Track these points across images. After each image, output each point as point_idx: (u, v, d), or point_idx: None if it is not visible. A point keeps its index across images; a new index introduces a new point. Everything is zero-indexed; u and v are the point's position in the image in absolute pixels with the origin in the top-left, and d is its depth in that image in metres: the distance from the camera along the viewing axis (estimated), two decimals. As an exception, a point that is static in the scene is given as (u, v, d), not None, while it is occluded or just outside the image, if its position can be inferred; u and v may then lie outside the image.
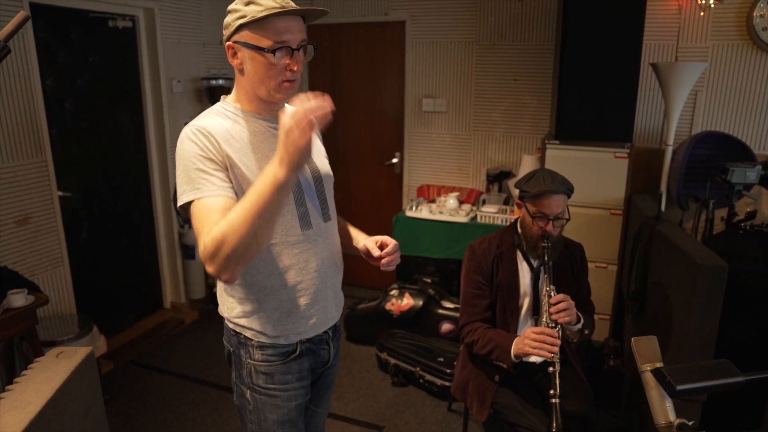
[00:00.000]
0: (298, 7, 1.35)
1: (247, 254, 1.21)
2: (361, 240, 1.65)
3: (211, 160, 1.31)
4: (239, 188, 1.36)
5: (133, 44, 3.77)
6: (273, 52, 1.32)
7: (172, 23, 3.90)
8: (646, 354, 1.19)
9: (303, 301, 1.50)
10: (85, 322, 3.12)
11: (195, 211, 1.28)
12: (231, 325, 1.55)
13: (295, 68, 1.36)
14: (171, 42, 3.90)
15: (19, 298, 2.47)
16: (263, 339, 1.51)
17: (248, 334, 1.52)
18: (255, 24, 1.32)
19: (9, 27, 1.15)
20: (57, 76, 3.28)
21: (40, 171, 3.10)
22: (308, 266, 1.49)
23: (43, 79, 3.12)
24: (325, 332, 1.59)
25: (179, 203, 1.31)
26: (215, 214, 1.25)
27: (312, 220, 1.50)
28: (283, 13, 1.32)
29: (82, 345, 2.96)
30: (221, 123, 1.39)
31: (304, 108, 1.15)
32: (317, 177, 1.54)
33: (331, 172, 1.61)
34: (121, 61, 3.72)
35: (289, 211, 1.45)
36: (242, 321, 1.52)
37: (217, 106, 1.46)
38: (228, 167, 1.34)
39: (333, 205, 1.61)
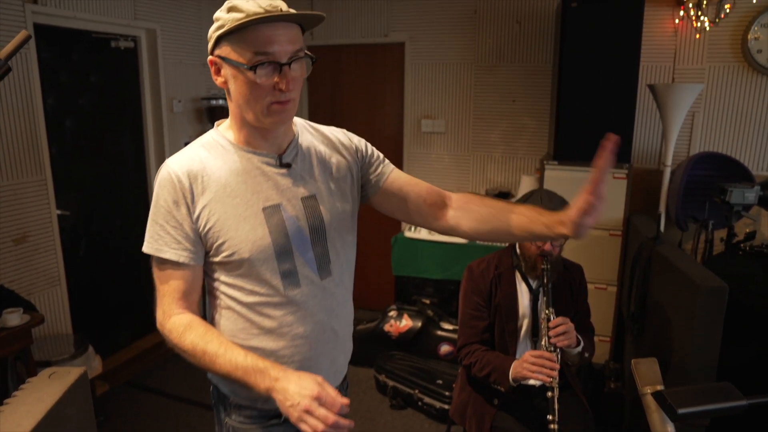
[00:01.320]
0: (289, 11, 1.12)
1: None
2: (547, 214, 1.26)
3: (171, 215, 1.19)
4: (209, 237, 1.20)
5: (134, 64, 3.80)
6: (254, 68, 1.11)
7: (174, 44, 3.94)
8: (647, 376, 1.18)
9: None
10: (80, 342, 3.09)
11: (154, 269, 1.24)
12: (209, 375, 1.35)
13: (283, 87, 1.13)
14: (172, 62, 3.94)
15: (14, 318, 2.45)
16: (240, 400, 1.32)
17: (225, 390, 1.34)
18: (235, 35, 1.11)
19: (10, 46, 1.16)
20: (58, 95, 3.30)
21: (39, 189, 3.10)
22: (293, 331, 1.25)
23: (45, 98, 3.14)
24: None
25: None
26: (169, 294, 1.21)
27: (301, 279, 1.25)
28: (267, 20, 1.09)
29: (78, 365, 2.91)
30: (202, 159, 1.21)
31: (317, 416, 1.01)
32: (318, 225, 1.27)
33: (346, 215, 1.34)
34: (122, 80, 3.75)
35: (269, 268, 1.22)
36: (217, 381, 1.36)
37: (208, 134, 1.29)
38: (194, 217, 1.19)
39: (342, 255, 1.33)
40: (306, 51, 1.18)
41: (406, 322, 3.62)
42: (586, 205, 1.15)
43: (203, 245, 1.22)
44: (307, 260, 1.26)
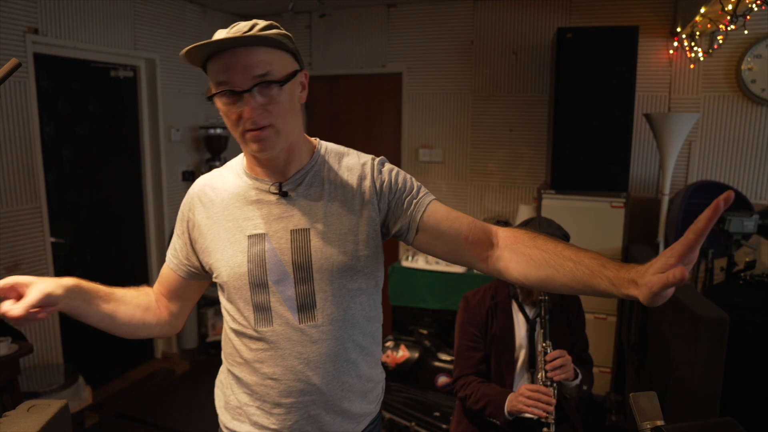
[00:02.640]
0: (242, 35, 1.04)
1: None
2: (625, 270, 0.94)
3: (179, 225, 1.30)
4: (202, 256, 1.25)
5: (133, 93, 3.83)
6: (212, 98, 1.12)
7: (173, 73, 3.98)
8: (646, 411, 1.13)
9: (255, 404, 1.22)
10: (70, 373, 3.03)
11: None
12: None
13: (244, 115, 1.07)
14: (171, 92, 3.97)
15: (1, 347, 2.41)
16: (222, 427, 1.31)
17: (218, 408, 1.33)
18: (208, 65, 1.10)
19: (-1, 73, 1.15)
20: (56, 123, 3.31)
21: (33, 217, 3.08)
22: (263, 369, 1.19)
23: (43, 127, 3.15)
24: None
25: None
26: (157, 281, 1.36)
27: (274, 316, 1.18)
28: (220, 46, 1.04)
29: (66, 396, 2.86)
30: (220, 180, 1.26)
31: None
32: (303, 263, 1.17)
33: (350, 257, 1.19)
34: (120, 109, 3.77)
35: (242, 298, 1.19)
36: (217, 391, 1.35)
37: (238, 157, 1.30)
38: (191, 234, 1.26)
39: (336, 303, 1.19)
40: (273, 77, 1.07)
41: (403, 353, 3.55)
42: (673, 271, 0.83)
43: (194, 260, 1.27)
44: (285, 298, 1.17)
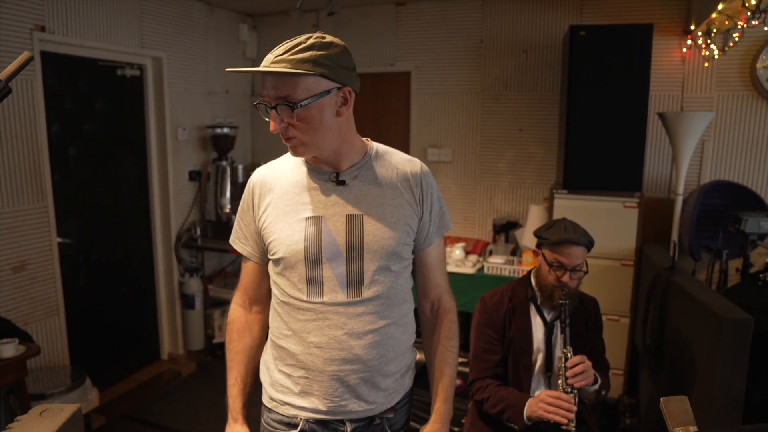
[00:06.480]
0: (269, 63, 1.21)
1: None
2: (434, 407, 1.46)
3: (244, 214, 1.40)
4: (265, 234, 1.36)
5: (140, 92, 3.79)
6: (256, 106, 1.27)
7: (180, 72, 3.94)
8: (678, 416, 1.10)
9: (299, 373, 1.34)
10: (77, 374, 3.00)
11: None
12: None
13: (271, 127, 1.24)
14: (178, 91, 3.93)
15: (8, 349, 2.37)
16: (267, 400, 1.42)
17: (264, 383, 1.43)
18: None
19: (11, 67, 1.11)
20: (63, 122, 3.28)
21: (40, 217, 3.05)
22: (309, 338, 1.31)
23: (49, 125, 3.12)
24: (341, 422, 1.36)
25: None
26: (239, 285, 1.48)
27: (325, 290, 1.30)
28: (252, 71, 1.27)
29: (73, 398, 2.83)
30: (281, 169, 1.39)
31: None
32: (356, 244, 1.30)
33: (395, 242, 1.33)
34: (127, 108, 3.73)
35: (297, 272, 1.31)
36: (262, 367, 1.46)
37: None
38: (257, 218, 1.37)
39: (381, 283, 1.32)
40: (292, 100, 1.19)
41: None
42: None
43: (264, 244, 1.37)
44: (337, 274, 1.30)
